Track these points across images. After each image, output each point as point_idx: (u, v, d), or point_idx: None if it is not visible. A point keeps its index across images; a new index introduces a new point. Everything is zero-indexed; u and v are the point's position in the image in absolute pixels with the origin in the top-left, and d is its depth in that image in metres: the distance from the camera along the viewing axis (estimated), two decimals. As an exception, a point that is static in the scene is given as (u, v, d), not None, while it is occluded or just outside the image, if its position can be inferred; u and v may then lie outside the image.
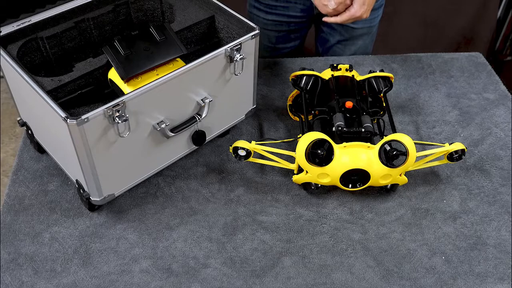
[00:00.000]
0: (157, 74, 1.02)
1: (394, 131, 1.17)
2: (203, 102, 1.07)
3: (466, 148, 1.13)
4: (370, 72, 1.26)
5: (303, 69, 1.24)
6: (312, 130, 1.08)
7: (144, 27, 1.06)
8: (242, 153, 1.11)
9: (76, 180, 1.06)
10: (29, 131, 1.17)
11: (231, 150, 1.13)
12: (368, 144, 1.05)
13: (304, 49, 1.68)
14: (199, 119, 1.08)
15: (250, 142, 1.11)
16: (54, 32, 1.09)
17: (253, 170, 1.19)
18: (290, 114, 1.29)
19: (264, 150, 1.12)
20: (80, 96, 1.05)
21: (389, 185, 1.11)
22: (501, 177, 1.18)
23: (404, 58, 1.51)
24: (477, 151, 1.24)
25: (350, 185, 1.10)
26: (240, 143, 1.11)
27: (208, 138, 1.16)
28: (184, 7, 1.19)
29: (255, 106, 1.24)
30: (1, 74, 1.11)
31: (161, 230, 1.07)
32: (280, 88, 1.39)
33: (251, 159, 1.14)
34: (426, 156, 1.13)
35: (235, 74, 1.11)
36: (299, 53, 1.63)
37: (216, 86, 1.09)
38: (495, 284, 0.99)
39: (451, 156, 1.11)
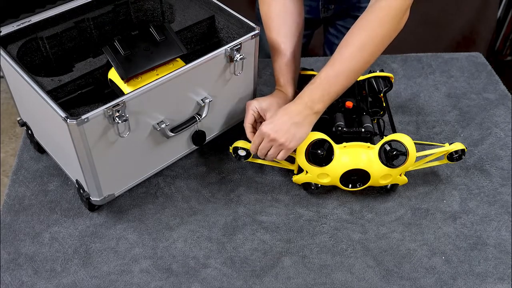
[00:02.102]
0: (157, 74, 1.02)
1: (394, 131, 1.17)
2: (203, 102, 1.07)
3: (466, 148, 1.13)
4: (370, 72, 1.26)
5: (303, 69, 1.24)
6: (312, 130, 1.08)
7: (144, 27, 1.06)
8: (242, 153, 1.11)
9: (76, 180, 1.06)
10: (29, 131, 1.17)
11: (231, 150, 1.13)
12: (368, 144, 1.05)
13: (309, 51, 1.67)
14: (199, 119, 1.08)
15: (250, 142, 1.11)
16: (54, 32, 1.09)
17: (253, 170, 1.19)
18: (290, 114, 1.29)
19: (264, 150, 1.12)
20: (80, 96, 1.05)
21: (389, 185, 1.11)
22: (501, 177, 1.18)
23: (404, 58, 1.51)
24: (477, 151, 1.24)
25: (350, 185, 1.10)
26: (240, 143, 1.11)
27: (208, 138, 1.16)
28: (184, 7, 1.19)
29: (255, 106, 1.24)
30: (1, 74, 1.11)
31: (161, 230, 1.07)
32: (280, 88, 1.39)
33: (251, 159, 1.14)
34: (426, 156, 1.12)
35: (235, 74, 1.11)
36: (304, 53, 1.62)
37: (216, 86, 1.09)
38: (495, 284, 0.99)
39: (451, 156, 1.11)
